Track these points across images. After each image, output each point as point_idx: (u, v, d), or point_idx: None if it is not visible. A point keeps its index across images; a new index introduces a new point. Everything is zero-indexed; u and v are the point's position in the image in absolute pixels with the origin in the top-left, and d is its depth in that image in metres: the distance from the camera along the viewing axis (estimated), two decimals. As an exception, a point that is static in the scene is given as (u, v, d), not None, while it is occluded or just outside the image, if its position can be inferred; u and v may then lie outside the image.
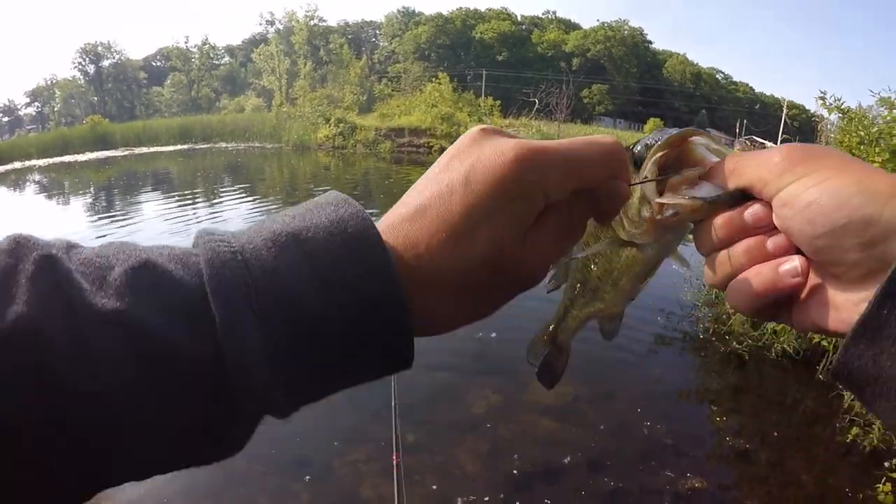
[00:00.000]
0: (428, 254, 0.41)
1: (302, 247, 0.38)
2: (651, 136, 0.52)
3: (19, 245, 0.35)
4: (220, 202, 11.97)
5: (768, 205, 0.45)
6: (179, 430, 0.36)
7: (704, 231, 0.49)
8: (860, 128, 4.87)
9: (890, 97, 5.00)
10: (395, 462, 2.41)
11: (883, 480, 3.58)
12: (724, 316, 6.08)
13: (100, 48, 67.05)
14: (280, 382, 0.36)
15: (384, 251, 0.39)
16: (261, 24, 65.33)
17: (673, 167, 0.51)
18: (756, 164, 0.45)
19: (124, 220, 9.41)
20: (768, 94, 67.26)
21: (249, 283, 0.36)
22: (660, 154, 0.50)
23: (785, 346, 5.32)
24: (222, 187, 14.14)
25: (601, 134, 0.67)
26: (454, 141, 0.48)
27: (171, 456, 0.38)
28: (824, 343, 4.94)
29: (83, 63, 66.68)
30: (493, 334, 5.35)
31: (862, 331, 0.39)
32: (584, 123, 37.48)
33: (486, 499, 3.27)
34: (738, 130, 44.62)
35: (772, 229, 0.45)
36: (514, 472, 3.52)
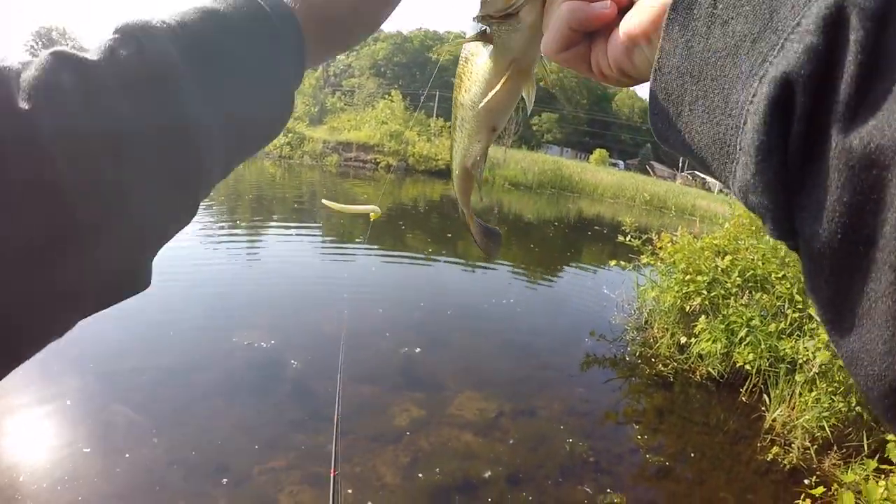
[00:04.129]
0: None
1: None
2: None
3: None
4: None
5: None
6: None
7: None
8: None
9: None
10: (332, 475, 2.38)
11: (802, 497, 3.67)
12: (652, 340, 6.22)
13: (54, 33, 64.63)
14: None
15: None
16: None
17: None
18: None
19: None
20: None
21: None
22: None
23: (710, 369, 5.45)
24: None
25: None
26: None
27: None
28: (747, 367, 5.08)
29: (35, 48, 64.12)
30: (418, 349, 5.32)
31: (672, 15, 0.37)
32: (531, 150, 37.96)
33: (405, 511, 3.21)
34: (680, 165, 46.20)
35: None
36: (434, 484, 3.46)
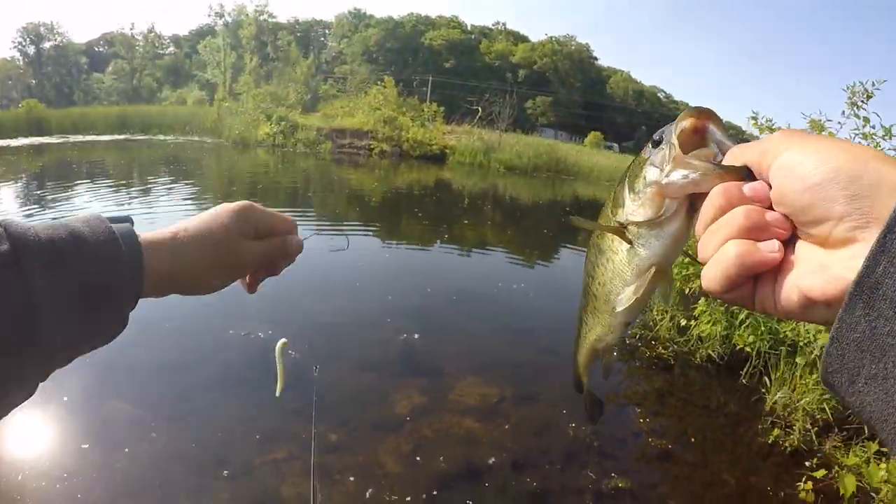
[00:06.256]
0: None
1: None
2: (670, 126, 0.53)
3: None
4: (156, 197, 11.55)
5: (767, 183, 0.45)
6: None
7: (705, 205, 0.48)
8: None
9: (820, 120, 5.19)
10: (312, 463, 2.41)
11: (804, 479, 3.67)
12: (652, 322, 6.20)
13: (42, 29, 64.01)
14: None
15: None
16: (209, 16, 64.19)
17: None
18: (758, 143, 0.47)
19: (55, 211, 8.97)
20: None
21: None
22: (686, 122, 0.51)
23: (710, 351, 5.44)
24: (158, 181, 13.65)
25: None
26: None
27: None
28: (747, 349, 5.07)
29: (23, 43, 63.49)
30: (417, 335, 5.29)
31: (857, 291, 0.36)
32: (526, 133, 37.69)
33: (408, 498, 3.18)
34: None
35: (768, 208, 0.45)
36: (437, 472, 3.44)
